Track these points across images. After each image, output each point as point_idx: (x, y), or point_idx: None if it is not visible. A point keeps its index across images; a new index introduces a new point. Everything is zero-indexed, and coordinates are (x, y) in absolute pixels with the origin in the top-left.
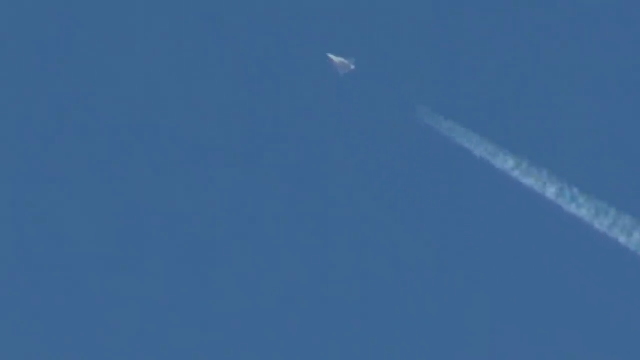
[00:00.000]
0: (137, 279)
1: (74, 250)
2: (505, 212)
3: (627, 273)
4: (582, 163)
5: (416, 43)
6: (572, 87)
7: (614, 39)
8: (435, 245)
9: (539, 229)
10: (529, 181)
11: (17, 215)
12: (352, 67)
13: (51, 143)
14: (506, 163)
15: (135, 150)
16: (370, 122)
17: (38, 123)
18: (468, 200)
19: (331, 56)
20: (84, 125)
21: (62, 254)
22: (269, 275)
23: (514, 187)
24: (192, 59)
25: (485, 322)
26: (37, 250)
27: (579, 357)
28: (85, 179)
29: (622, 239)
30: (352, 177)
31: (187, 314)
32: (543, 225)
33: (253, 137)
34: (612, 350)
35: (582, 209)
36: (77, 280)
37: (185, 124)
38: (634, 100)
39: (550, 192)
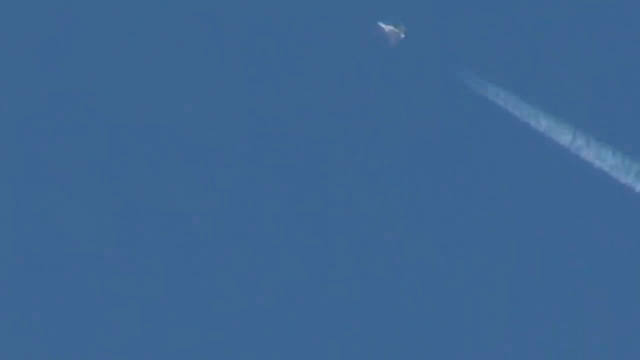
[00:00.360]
0: (136, 279)
1: (72, 250)
2: (552, 177)
3: None
4: (623, 127)
5: (468, 8)
6: (619, 55)
7: None
8: (474, 212)
9: (575, 189)
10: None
11: (16, 215)
12: (403, 35)
13: (50, 143)
14: (566, 137)
15: (139, 143)
16: (420, 91)
17: (37, 123)
18: (521, 169)
19: (382, 24)
20: (83, 126)
21: (60, 253)
22: (269, 272)
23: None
24: (232, 24)
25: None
26: (36, 250)
27: None
28: (85, 179)
29: None
30: (402, 145)
31: (186, 315)
32: (578, 185)
33: (303, 107)
34: None
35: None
36: (74, 280)
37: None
38: None
39: (589, 154)
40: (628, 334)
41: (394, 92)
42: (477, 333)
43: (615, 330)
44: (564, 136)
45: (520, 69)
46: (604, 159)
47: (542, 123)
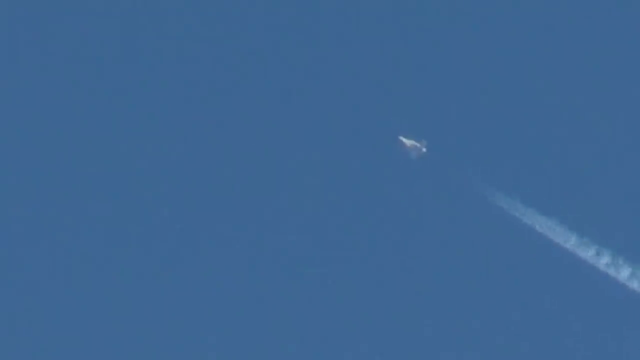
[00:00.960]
0: (136, 278)
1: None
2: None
3: None
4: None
5: (489, 126)
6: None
7: None
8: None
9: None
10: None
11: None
12: (424, 149)
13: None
14: (586, 252)
15: (142, 152)
16: (438, 204)
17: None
18: (537, 283)
19: (403, 139)
20: (83, 127)
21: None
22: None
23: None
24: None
25: None
26: (35, 248)
27: None
28: (85, 180)
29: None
30: (422, 253)
31: (183, 317)
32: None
33: (328, 219)
34: None
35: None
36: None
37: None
38: None
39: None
40: None
41: (414, 204)
42: None
43: None
44: (578, 247)
45: (538, 183)
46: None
47: (561, 236)
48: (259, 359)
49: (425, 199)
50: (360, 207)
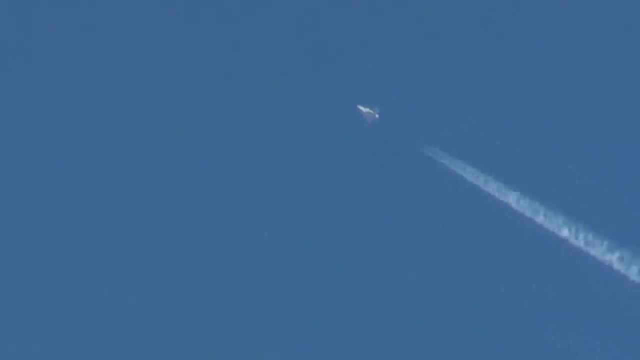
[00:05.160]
0: (135, 278)
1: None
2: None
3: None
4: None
5: (435, 91)
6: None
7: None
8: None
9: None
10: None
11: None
12: (377, 116)
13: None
14: (522, 207)
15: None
16: (391, 164)
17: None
18: (485, 244)
19: (360, 107)
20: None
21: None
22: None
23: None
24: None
25: None
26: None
27: None
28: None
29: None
30: (376, 222)
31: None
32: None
33: (286, 184)
34: None
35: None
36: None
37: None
38: None
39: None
40: None
41: (371, 164)
42: None
43: None
44: (528, 210)
45: (487, 145)
46: (573, 235)
47: (492, 187)
48: (258, 358)
49: (379, 160)
50: (322, 175)
